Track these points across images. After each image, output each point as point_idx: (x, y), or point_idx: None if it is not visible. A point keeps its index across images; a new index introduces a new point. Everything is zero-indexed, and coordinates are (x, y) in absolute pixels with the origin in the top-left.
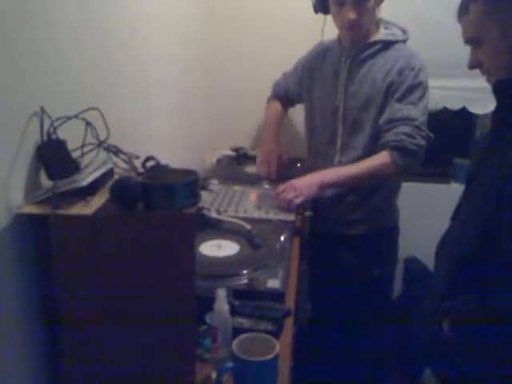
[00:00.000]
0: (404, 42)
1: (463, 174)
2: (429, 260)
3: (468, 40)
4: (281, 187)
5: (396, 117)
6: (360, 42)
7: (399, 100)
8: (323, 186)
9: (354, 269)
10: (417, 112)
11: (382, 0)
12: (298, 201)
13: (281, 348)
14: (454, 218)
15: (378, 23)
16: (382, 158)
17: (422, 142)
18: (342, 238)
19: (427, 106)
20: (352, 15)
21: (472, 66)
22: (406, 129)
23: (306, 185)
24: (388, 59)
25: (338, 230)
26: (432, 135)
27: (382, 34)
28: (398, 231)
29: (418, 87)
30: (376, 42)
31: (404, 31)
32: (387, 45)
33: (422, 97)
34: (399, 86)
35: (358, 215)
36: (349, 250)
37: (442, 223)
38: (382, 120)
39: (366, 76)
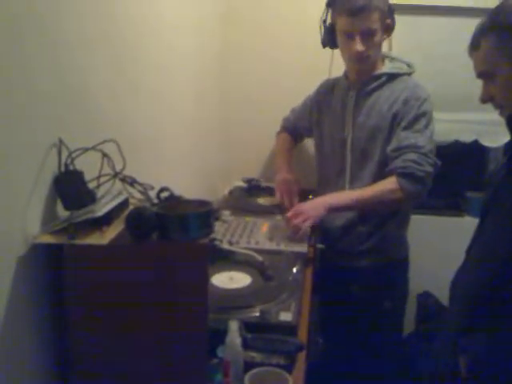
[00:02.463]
0: (409, 74)
1: (476, 207)
2: (442, 294)
3: (480, 74)
4: (289, 213)
5: (403, 144)
6: (366, 75)
7: (405, 128)
8: (330, 208)
9: (364, 301)
10: (423, 140)
11: (389, 34)
12: (306, 224)
13: (293, 383)
14: (468, 252)
15: (383, 58)
16: (389, 184)
17: (430, 169)
18: (352, 269)
19: (433, 134)
20: (360, 47)
21: (484, 100)
22: (413, 156)
23: (312, 207)
24: (394, 90)
25: (348, 261)
26: (439, 162)
27: (387, 67)
28: (409, 265)
29: (423, 116)
30: (382, 75)
31: (409, 65)
32: (393, 77)
33: (427, 125)
34: (405, 115)
35: (368, 246)
36: (359, 282)
37: (455, 257)
38: (389, 148)
39: (373, 107)
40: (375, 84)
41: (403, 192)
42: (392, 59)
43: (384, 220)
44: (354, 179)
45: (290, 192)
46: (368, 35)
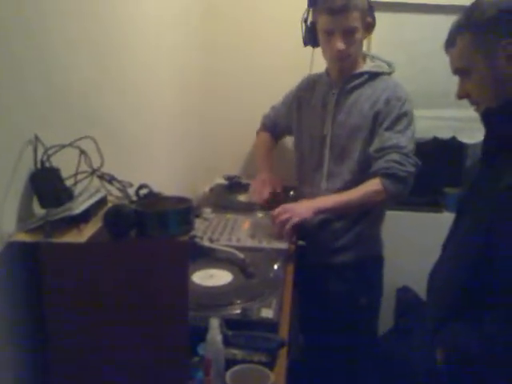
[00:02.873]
0: (389, 74)
1: (455, 202)
2: (421, 289)
3: (456, 71)
4: (276, 210)
5: (386, 145)
6: (348, 73)
7: (388, 129)
8: (318, 211)
9: (341, 297)
10: (404, 140)
11: (369, 33)
12: (293, 221)
13: (275, 379)
14: (444, 247)
15: (364, 56)
16: (373, 186)
17: (412, 169)
18: (328, 266)
19: (414, 133)
20: (341, 46)
21: (460, 97)
22: (395, 156)
23: (300, 207)
24: (375, 89)
25: (324, 258)
26: (420, 162)
27: (368, 66)
28: (383, 262)
29: (404, 116)
30: (363, 73)
31: (389, 64)
32: (373, 76)
33: (408, 125)
34: (387, 115)
35: (343, 243)
36: (335, 279)
37: (435, 252)
38: (371, 148)
39: (354, 105)
40: (356, 82)
41: (386, 192)
42: (373, 58)
43: (358, 218)
44: (331, 176)
45: (262, 190)
46: (349, 33)
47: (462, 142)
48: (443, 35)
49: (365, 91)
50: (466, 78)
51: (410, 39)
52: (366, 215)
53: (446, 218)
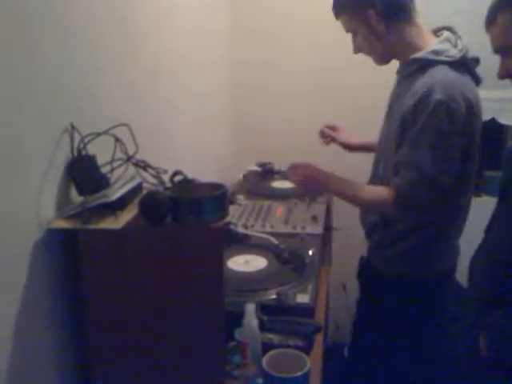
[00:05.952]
0: (450, 63)
1: (495, 186)
2: (462, 275)
3: (497, 49)
4: (299, 164)
5: (400, 161)
6: (401, 61)
7: (406, 143)
8: (327, 191)
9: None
10: (423, 161)
11: (386, 19)
12: (301, 186)
13: (311, 364)
14: (487, 231)
15: (426, 37)
16: (385, 195)
17: (424, 198)
18: (378, 272)
19: (445, 152)
20: (353, 49)
21: (502, 76)
22: (407, 175)
23: (318, 181)
24: (418, 84)
25: (374, 263)
26: (448, 187)
27: (424, 52)
28: (453, 280)
29: (427, 131)
30: (413, 61)
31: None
32: (428, 64)
33: (431, 143)
34: (412, 124)
35: (392, 253)
36: (389, 290)
37: (475, 237)
38: (397, 156)
39: (398, 100)
40: (410, 71)
41: (391, 208)
42: (450, 34)
43: (411, 229)
44: (372, 177)
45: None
46: (353, 36)
47: (502, 124)
48: (478, 11)
49: (412, 84)
50: (507, 56)
51: (445, 15)
52: (421, 228)
53: (486, 203)
